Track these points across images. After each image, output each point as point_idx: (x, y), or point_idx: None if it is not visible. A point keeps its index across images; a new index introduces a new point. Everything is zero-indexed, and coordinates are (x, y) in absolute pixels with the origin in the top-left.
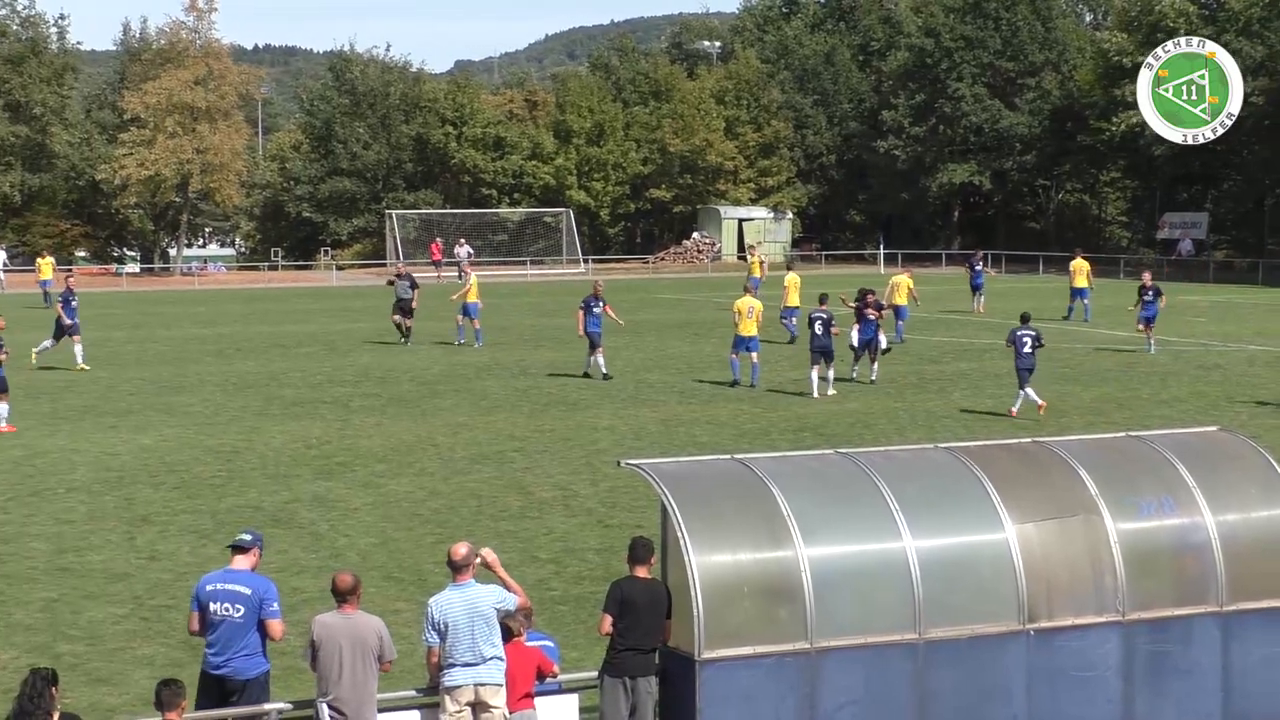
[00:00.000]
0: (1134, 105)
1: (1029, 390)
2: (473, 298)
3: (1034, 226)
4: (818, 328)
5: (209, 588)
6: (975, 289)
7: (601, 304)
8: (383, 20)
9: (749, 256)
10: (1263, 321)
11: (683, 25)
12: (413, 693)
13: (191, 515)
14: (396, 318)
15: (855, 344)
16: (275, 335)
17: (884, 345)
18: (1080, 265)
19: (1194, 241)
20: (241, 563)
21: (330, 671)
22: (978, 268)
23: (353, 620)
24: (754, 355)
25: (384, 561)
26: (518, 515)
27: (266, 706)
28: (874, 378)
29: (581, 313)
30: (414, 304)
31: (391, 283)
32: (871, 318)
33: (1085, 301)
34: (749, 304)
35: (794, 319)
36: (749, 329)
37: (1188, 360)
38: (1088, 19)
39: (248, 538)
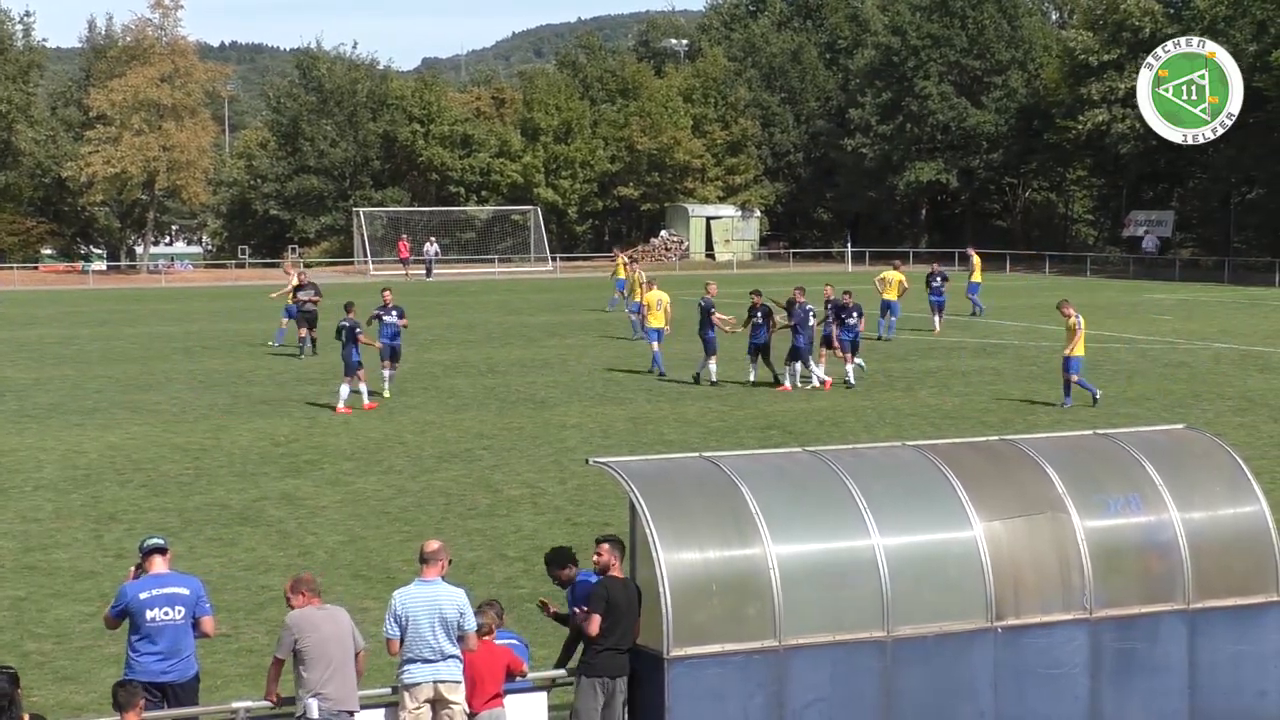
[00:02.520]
0: (1099, 103)
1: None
2: (292, 299)
3: (1001, 225)
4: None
5: (143, 596)
6: (937, 307)
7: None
8: (350, 18)
9: (619, 257)
10: (1228, 319)
11: (649, 23)
12: (387, 691)
13: (159, 513)
14: (303, 331)
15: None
16: (242, 333)
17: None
18: (978, 261)
19: (1160, 239)
20: (163, 565)
21: (320, 665)
22: (935, 284)
23: (330, 613)
24: (656, 345)
25: (352, 559)
26: (486, 513)
27: (235, 705)
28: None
29: (715, 316)
30: (316, 313)
31: (298, 296)
32: (759, 321)
33: (975, 296)
34: (658, 297)
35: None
36: (658, 321)
37: (1154, 358)
38: (1054, 17)
39: (163, 540)
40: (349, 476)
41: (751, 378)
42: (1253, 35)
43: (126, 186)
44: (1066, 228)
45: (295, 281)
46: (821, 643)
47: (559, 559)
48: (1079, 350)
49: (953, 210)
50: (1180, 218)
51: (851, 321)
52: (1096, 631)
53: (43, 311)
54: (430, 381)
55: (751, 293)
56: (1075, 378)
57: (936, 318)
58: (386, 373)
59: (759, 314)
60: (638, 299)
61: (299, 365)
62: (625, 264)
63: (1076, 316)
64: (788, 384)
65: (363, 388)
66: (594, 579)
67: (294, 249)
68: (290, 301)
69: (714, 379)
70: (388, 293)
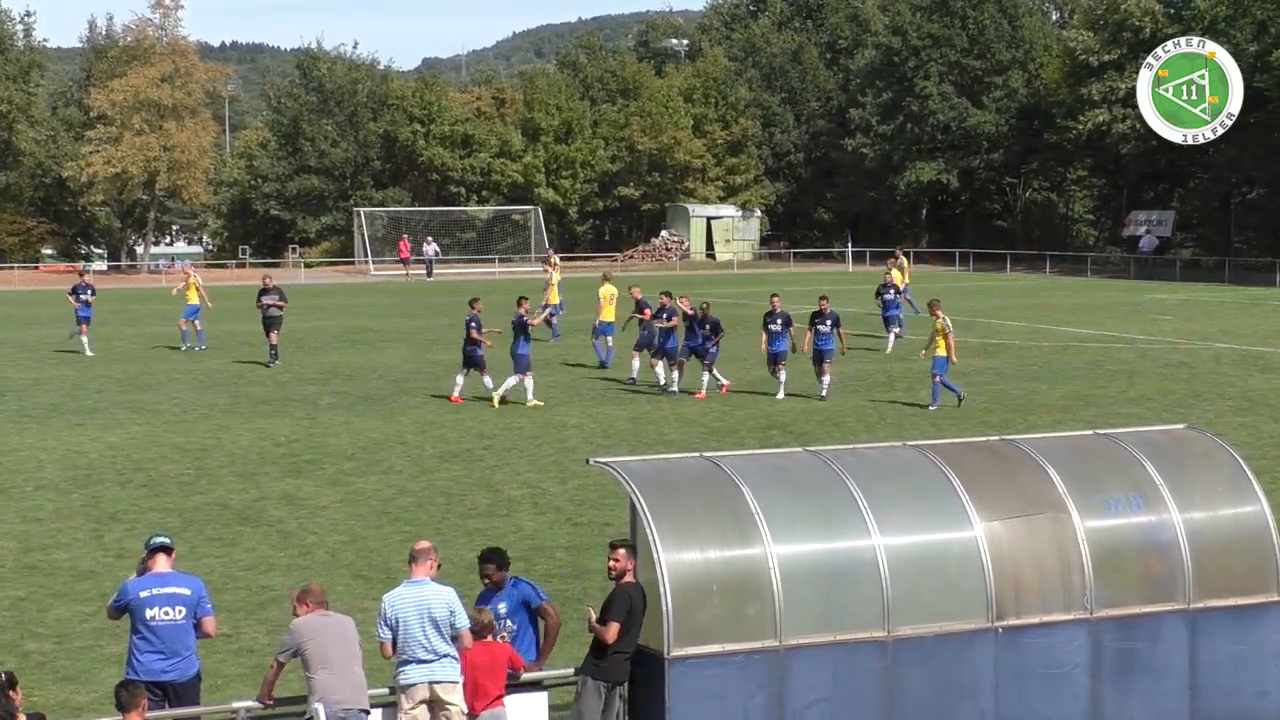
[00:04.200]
0: (1100, 103)
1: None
2: (192, 299)
3: (1001, 225)
4: (775, 327)
5: (143, 594)
6: (888, 322)
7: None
8: (350, 18)
9: (552, 258)
10: (1229, 319)
11: (649, 24)
12: (385, 691)
13: (159, 513)
14: (273, 336)
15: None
16: (242, 333)
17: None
18: (906, 263)
19: (1158, 239)
20: (165, 564)
21: (324, 669)
22: (888, 296)
23: (334, 618)
24: (608, 339)
25: (352, 559)
26: (486, 513)
27: (236, 705)
28: (676, 387)
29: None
30: (281, 318)
31: (262, 301)
32: (665, 325)
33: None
34: (610, 291)
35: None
36: (610, 314)
37: (1155, 358)
38: (1054, 17)
39: (168, 539)
40: (350, 476)
41: (661, 381)
42: (1253, 35)
43: (127, 186)
44: (1067, 228)
45: (192, 282)
46: (822, 643)
47: (505, 560)
48: (942, 351)
49: (953, 210)
50: (1180, 218)
51: (824, 330)
52: (1097, 631)
53: (43, 311)
54: (431, 382)
55: (662, 293)
56: (939, 377)
57: (890, 334)
58: (524, 380)
59: (664, 315)
60: (555, 301)
61: (296, 367)
62: (556, 264)
63: (944, 319)
64: (704, 391)
65: (460, 379)
66: (526, 585)
67: (294, 249)
68: (191, 302)
69: (661, 381)
70: (526, 302)
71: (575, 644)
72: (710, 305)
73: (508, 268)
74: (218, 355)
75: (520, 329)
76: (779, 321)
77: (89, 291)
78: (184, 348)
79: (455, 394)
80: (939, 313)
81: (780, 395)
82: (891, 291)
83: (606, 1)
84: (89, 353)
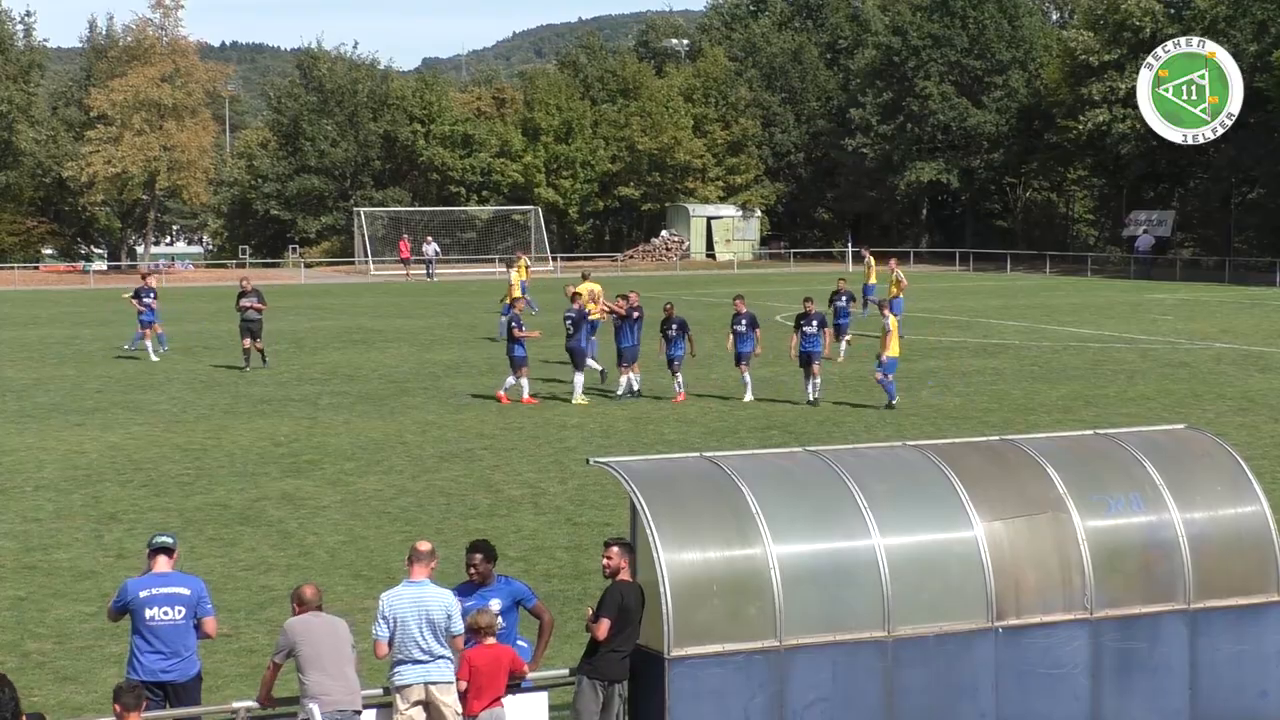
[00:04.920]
0: (1100, 103)
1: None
2: (236, 308)
3: (1002, 225)
4: (740, 328)
5: (143, 594)
6: (838, 330)
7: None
8: (350, 17)
9: (522, 259)
10: (1229, 319)
11: (649, 24)
12: (380, 691)
13: (159, 513)
14: (246, 342)
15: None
16: None
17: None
18: (873, 261)
19: (1154, 239)
20: (166, 564)
21: (317, 669)
22: (839, 304)
23: (327, 619)
24: (592, 337)
25: (352, 559)
26: (486, 513)
27: (235, 705)
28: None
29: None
30: (261, 321)
31: (241, 304)
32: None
33: (871, 297)
34: (590, 289)
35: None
36: (593, 313)
37: (1155, 358)
38: (1054, 17)
39: (170, 540)
40: (350, 476)
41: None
42: (1253, 35)
43: (127, 186)
44: (1067, 228)
45: (145, 283)
46: (822, 643)
47: (493, 553)
48: (894, 351)
49: (953, 210)
50: (1180, 218)
51: (810, 331)
52: (1097, 631)
53: (43, 311)
54: (431, 382)
55: (619, 296)
56: (888, 376)
57: (841, 343)
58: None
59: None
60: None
61: (296, 367)
62: (526, 266)
63: (889, 318)
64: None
65: (524, 382)
66: (518, 583)
67: (294, 249)
68: (151, 306)
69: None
70: (602, 305)
71: (576, 644)
72: (674, 306)
73: (508, 268)
74: (217, 355)
75: (581, 322)
76: (744, 323)
77: (151, 295)
78: (164, 350)
79: (525, 395)
80: (887, 313)
81: (748, 398)
82: (844, 300)
83: (606, 1)
84: (154, 358)
